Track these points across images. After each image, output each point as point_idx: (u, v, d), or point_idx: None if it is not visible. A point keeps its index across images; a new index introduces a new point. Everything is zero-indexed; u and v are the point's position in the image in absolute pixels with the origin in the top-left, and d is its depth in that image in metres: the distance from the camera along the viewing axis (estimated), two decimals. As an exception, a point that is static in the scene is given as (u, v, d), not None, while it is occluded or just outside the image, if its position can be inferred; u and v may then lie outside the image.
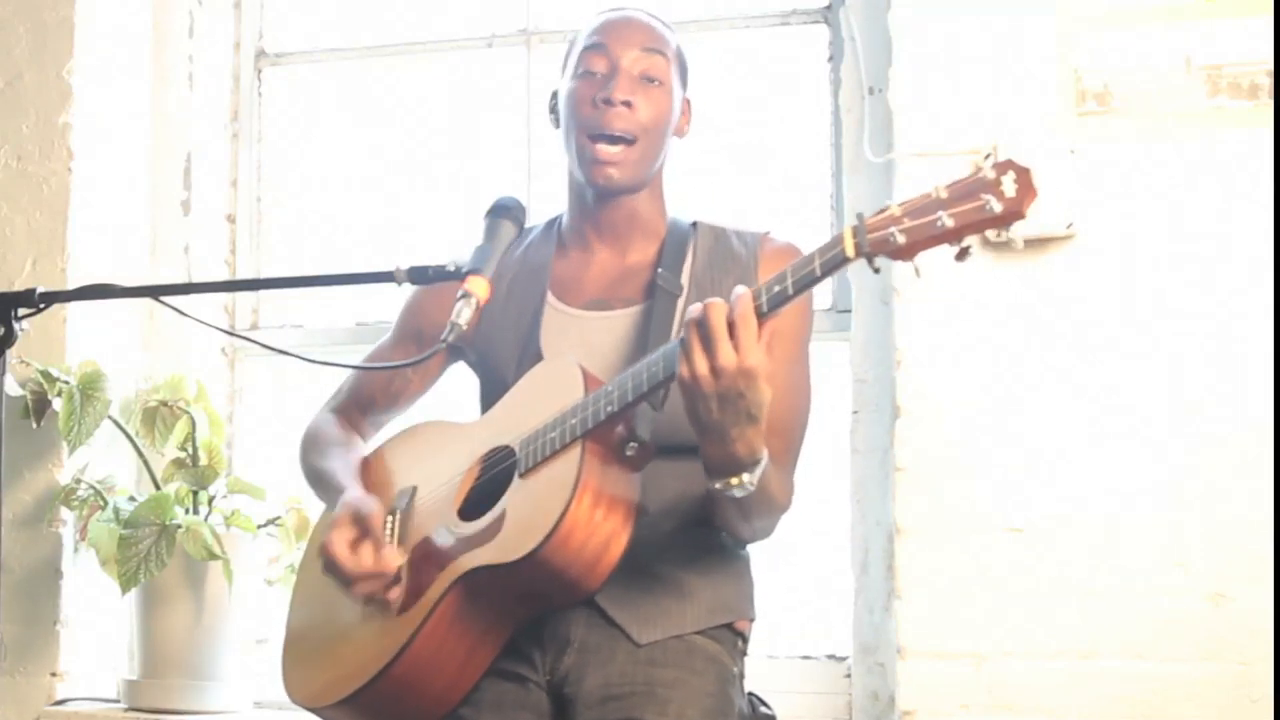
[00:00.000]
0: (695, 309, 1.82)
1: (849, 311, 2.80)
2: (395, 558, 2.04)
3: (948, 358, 2.55)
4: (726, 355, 1.79)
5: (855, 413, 2.78)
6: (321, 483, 2.26)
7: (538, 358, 2.14)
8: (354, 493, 2.11)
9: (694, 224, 2.24)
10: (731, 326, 1.79)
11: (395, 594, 2.04)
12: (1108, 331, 2.50)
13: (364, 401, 2.35)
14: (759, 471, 1.88)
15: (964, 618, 2.50)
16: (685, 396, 1.84)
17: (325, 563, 2.05)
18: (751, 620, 2.18)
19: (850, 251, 1.75)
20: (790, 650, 2.84)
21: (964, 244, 1.71)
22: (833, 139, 2.89)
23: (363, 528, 2.04)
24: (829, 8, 2.94)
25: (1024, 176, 1.69)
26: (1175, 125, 2.51)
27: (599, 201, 2.20)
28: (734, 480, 1.88)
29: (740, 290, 1.82)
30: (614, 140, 2.14)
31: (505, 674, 2.07)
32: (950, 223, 1.70)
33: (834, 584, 2.84)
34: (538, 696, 2.08)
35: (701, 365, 1.80)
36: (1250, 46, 2.49)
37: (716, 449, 1.86)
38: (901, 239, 1.72)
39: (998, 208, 1.69)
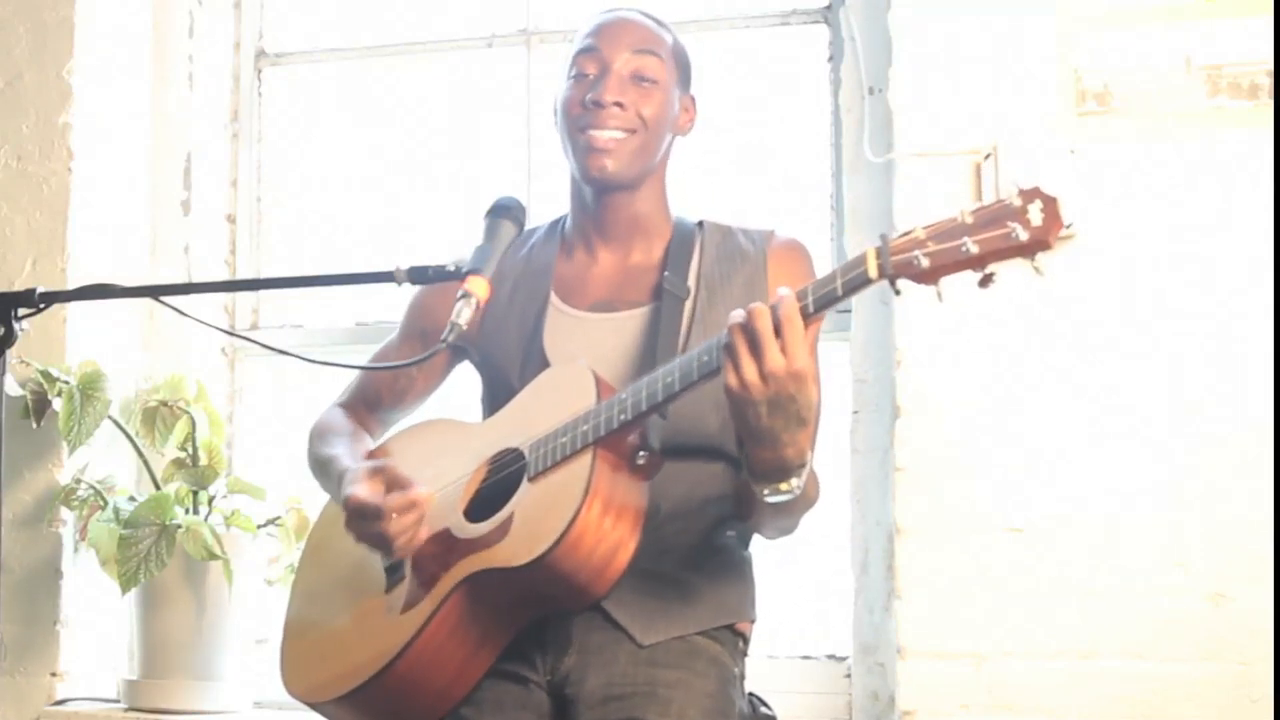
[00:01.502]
0: (738, 314, 1.80)
1: (849, 311, 2.79)
2: (425, 491, 2.00)
3: (948, 358, 2.55)
4: (775, 359, 1.77)
5: (855, 413, 2.78)
6: (325, 470, 2.23)
7: (541, 359, 2.14)
8: (362, 463, 2.09)
9: (699, 224, 2.23)
10: (777, 329, 1.78)
11: (425, 533, 2.01)
12: (1108, 331, 2.50)
13: (370, 399, 2.35)
14: (805, 474, 1.87)
15: (964, 618, 2.50)
16: (733, 404, 1.81)
17: (353, 511, 1.99)
18: (753, 622, 2.18)
19: (873, 273, 1.74)
20: (790, 650, 2.84)
21: (988, 270, 1.70)
22: (833, 139, 2.89)
23: (386, 476, 2.02)
24: (829, 8, 2.94)
25: (1051, 206, 1.67)
26: (1175, 125, 2.52)
27: (600, 201, 2.20)
28: (783, 486, 1.87)
29: (784, 291, 1.80)
30: (607, 134, 2.13)
31: (506, 674, 2.07)
32: (975, 249, 1.68)
33: (834, 584, 2.84)
34: (539, 697, 2.08)
35: (750, 371, 1.78)
36: (1250, 46, 2.50)
37: (767, 454, 1.84)
38: (925, 263, 1.71)
39: (1024, 236, 1.67)
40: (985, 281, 1.70)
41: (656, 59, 2.18)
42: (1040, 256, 1.69)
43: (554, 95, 2.27)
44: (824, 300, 1.78)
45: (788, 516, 2.03)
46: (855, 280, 1.76)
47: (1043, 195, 1.68)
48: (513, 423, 2.11)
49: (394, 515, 1.97)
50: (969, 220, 1.70)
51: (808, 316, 1.79)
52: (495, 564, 1.96)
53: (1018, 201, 1.68)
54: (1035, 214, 1.67)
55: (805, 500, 1.99)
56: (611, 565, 1.91)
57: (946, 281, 1.73)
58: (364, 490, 1.99)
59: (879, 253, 1.74)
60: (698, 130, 2.29)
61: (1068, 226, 2.48)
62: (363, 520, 1.99)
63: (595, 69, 2.17)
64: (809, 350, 2.07)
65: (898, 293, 1.76)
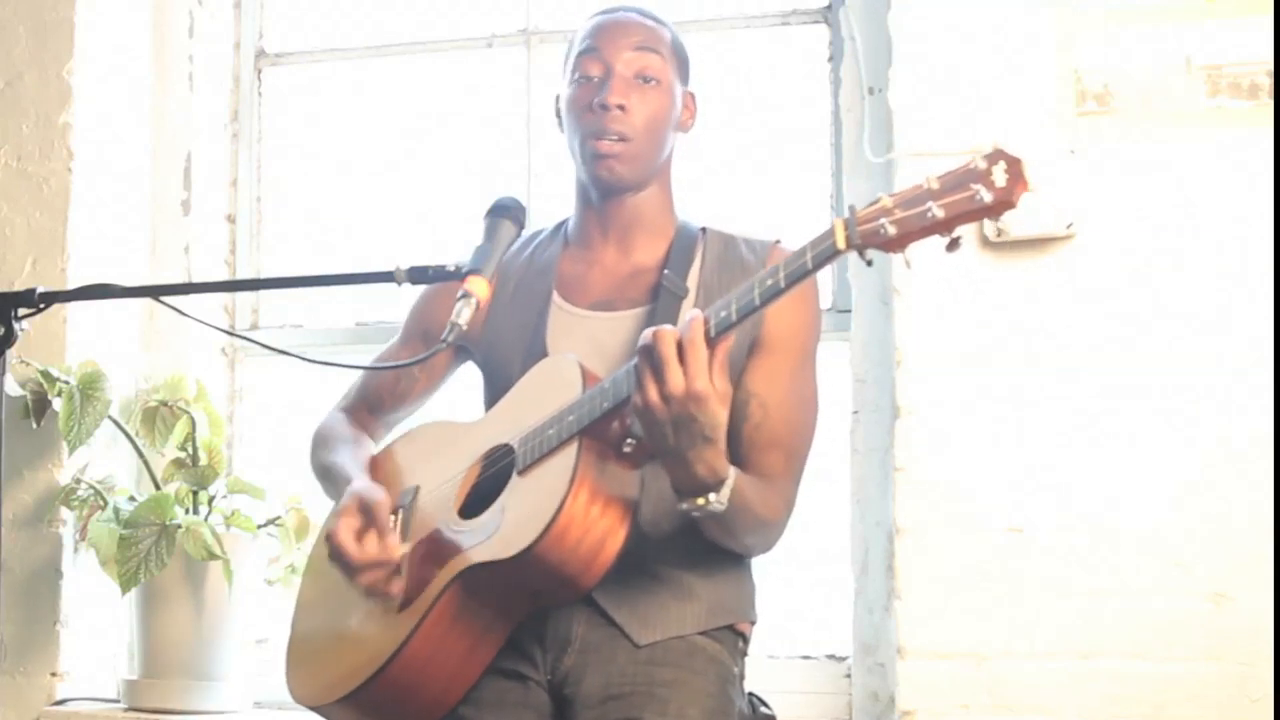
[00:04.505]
0: (646, 335, 1.83)
1: (849, 311, 2.80)
2: (398, 548, 2.05)
3: (948, 358, 2.55)
4: (675, 381, 1.80)
5: (855, 413, 2.78)
6: (329, 477, 2.25)
7: (543, 357, 2.14)
8: (361, 483, 2.11)
9: (703, 229, 2.23)
10: (682, 351, 1.80)
11: (397, 587, 2.04)
12: (1107, 331, 2.50)
13: (372, 401, 2.35)
14: (726, 490, 1.89)
15: (964, 618, 2.50)
16: (641, 422, 1.86)
17: (330, 550, 2.04)
18: (753, 623, 2.18)
19: (841, 243, 1.74)
20: (790, 650, 2.84)
21: (955, 235, 1.70)
22: (833, 139, 2.89)
23: (368, 517, 2.04)
24: (829, 8, 2.94)
25: (1015, 166, 1.67)
26: (1175, 125, 2.51)
27: (604, 200, 2.20)
28: (700, 501, 1.89)
29: (692, 313, 1.83)
30: (614, 139, 2.14)
31: (507, 672, 2.08)
32: (940, 213, 1.68)
33: (834, 584, 2.84)
34: (539, 695, 2.08)
35: (652, 392, 1.82)
36: (1250, 46, 2.50)
37: (678, 472, 1.88)
38: (892, 230, 1.71)
39: (988, 198, 1.67)
40: (952, 246, 1.70)
41: (658, 56, 2.19)
42: (1007, 217, 1.69)
43: (556, 96, 2.27)
44: (796, 274, 1.78)
45: (746, 535, 2.03)
46: (824, 253, 1.76)
47: (1006, 156, 1.67)
48: (505, 418, 2.11)
49: (362, 570, 2.02)
50: (934, 186, 1.70)
51: (778, 293, 1.79)
52: (485, 558, 1.96)
53: (982, 164, 1.68)
54: (999, 175, 1.67)
55: (751, 518, 1.99)
56: (600, 555, 1.92)
57: (915, 248, 1.72)
58: (345, 527, 2.04)
59: (846, 224, 1.74)
60: (698, 129, 2.29)
61: (1068, 227, 2.50)
62: (336, 561, 2.05)
63: (599, 71, 2.17)
64: (794, 362, 2.09)
65: (869, 263, 1.75)
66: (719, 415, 1.83)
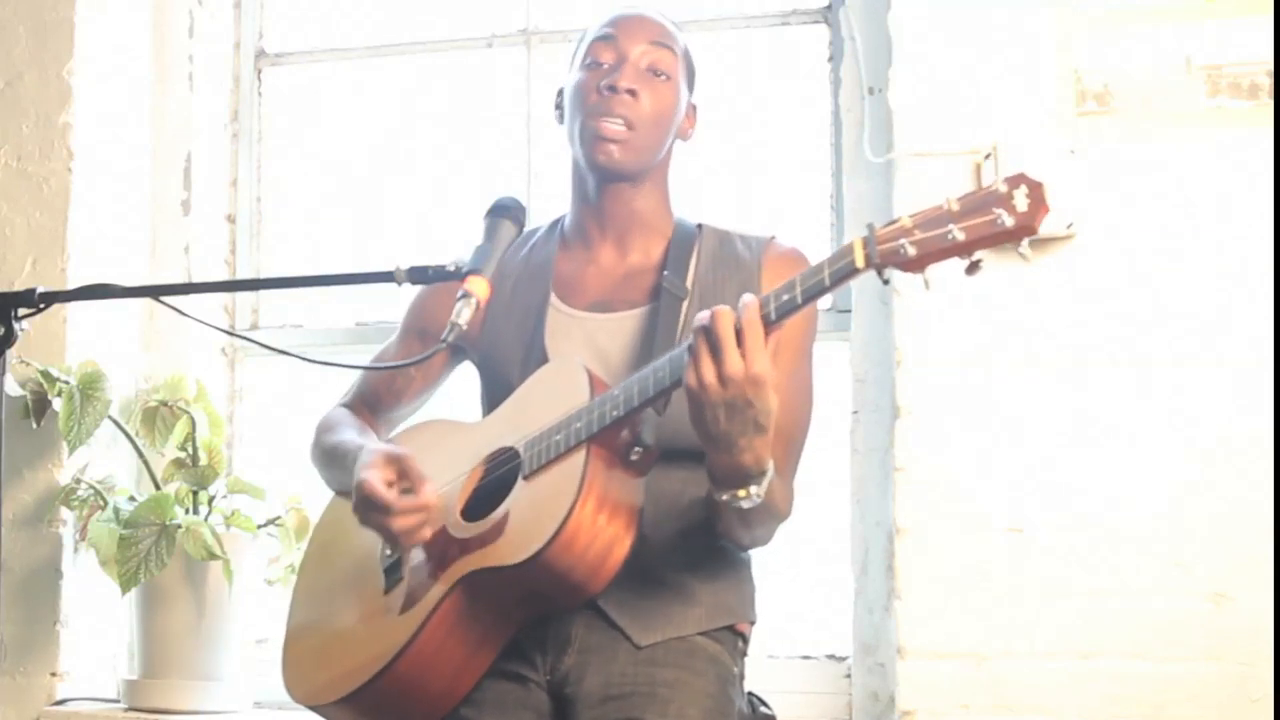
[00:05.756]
0: (703, 315, 1.81)
1: (849, 311, 2.80)
2: (434, 492, 2.02)
3: (948, 358, 2.55)
4: (734, 363, 1.78)
5: (855, 413, 2.78)
6: (335, 457, 2.23)
7: (542, 358, 2.14)
8: (381, 444, 2.10)
9: (699, 226, 2.23)
10: (739, 334, 1.79)
11: (428, 533, 2.02)
12: (1107, 331, 2.50)
13: (370, 398, 2.35)
14: (765, 483, 1.88)
15: (964, 618, 2.50)
16: (692, 405, 1.83)
17: (361, 499, 2.00)
18: (753, 623, 2.18)
19: (860, 262, 1.74)
20: (790, 650, 2.84)
21: (975, 257, 1.70)
22: (833, 139, 2.89)
23: (398, 467, 2.03)
24: (829, 8, 2.94)
25: (1036, 191, 1.68)
26: (1175, 125, 2.52)
27: (601, 192, 2.20)
28: (741, 492, 1.88)
29: (747, 298, 1.82)
30: (618, 123, 2.14)
31: (506, 674, 2.07)
32: (961, 236, 1.69)
33: (834, 584, 2.84)
34: (539, 696, 2.08)
35: (709, 373, 1.79)
36: (1250, 46, 2.50)
37: (724, 460, 1.86)
38: (912, 251, 1.71)
39: (1009, 222, 1.67)
40: (972, 269, 1.71)
41: (671, 54, 2.20)
42: (1026, 242, 1.69)
43: (561, 85, 2.27)
44: (812, 290, 1.78)
45: (759, 526, 2.03)
46: (842, 270, 1.76)
47: (1028, 181, 1.68)
48: (509, 421, 2.11)
49: (400, 514, 1.99)
50: (955, 208, 1.70)
51: (797, 307, 1.79)
52: (491, 563, 1.96)
53: (1003, 188, 1.69)
54: (1021, 200, 1.68)
55: (772, 512, 1.99)
56: (607, 562, 1.91)
57: (934, 269, 1.73)
58: (376, 478, 2.01)
59: (866, 242, 1.74)
60: (698, 131, 2.29)
61: (1068, 227, 2.50)
62: (370, 510, 2.01)
63: (611, 58, 2.17)
64: (797, 358, 2.09)
65: (886, 282, 1.76)
66: (773, 402, 1.81)
